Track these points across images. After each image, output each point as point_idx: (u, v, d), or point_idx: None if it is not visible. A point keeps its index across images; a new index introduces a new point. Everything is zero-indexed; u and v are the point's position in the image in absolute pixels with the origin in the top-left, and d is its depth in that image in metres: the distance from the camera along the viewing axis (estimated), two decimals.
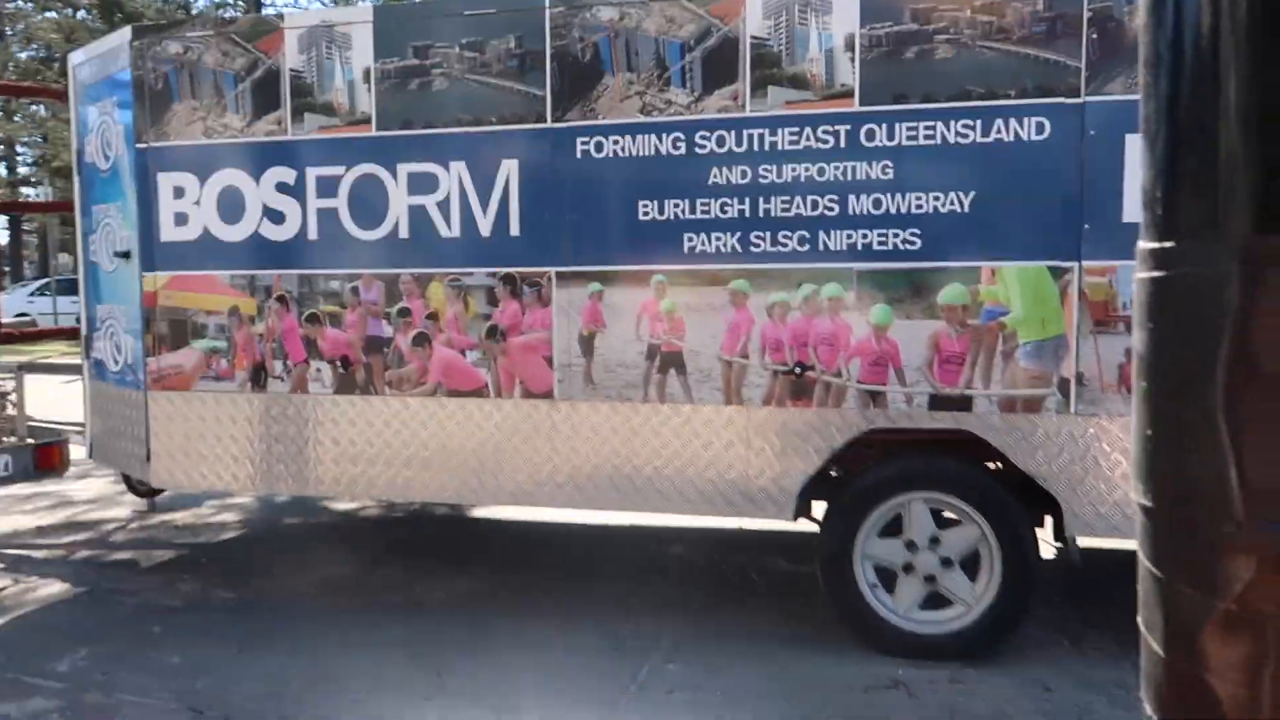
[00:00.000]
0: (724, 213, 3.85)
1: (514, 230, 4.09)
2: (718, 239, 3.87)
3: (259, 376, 4.47)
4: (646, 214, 3.93)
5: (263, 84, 4.38)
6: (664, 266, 3.92)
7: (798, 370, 3.82)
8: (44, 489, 6.72)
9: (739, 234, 3.84)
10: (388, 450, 4.29)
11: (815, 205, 3.76)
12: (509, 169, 4.08)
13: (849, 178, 3.73)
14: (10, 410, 5.46)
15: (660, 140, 3.91)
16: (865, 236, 3.73)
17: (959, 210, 3.64)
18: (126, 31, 4.67)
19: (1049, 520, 3.82)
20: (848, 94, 3.72)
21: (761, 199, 3.81)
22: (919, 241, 3.68)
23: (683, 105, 3.88)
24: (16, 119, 29.62)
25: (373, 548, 5.38)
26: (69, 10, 29.24)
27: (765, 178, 3.81)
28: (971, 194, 3.62)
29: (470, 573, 4.90)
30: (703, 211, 3.87)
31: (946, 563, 3.74)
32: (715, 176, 3.85)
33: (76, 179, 5.27)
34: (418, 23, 4.24)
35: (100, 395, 5.18)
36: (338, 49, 4.28)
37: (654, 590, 4.58)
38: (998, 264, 3.61)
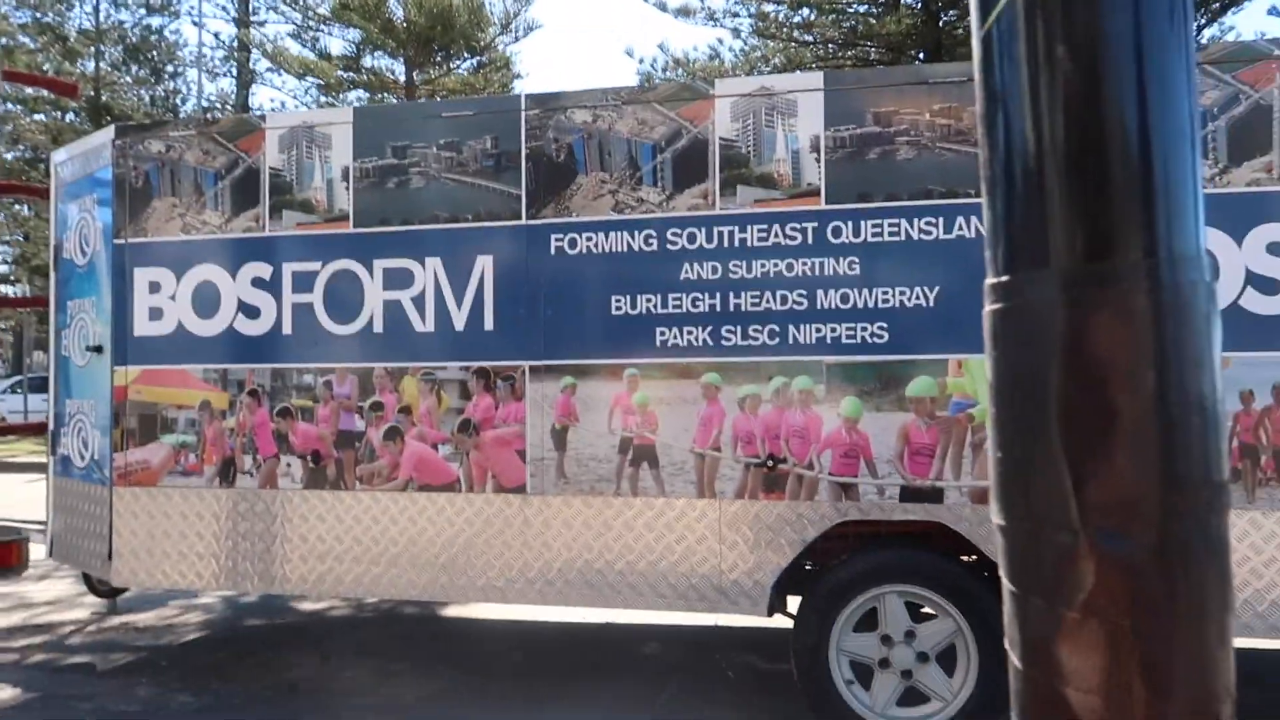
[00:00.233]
0: (695, 307, 3.91)
1: (488, 325, 4.13)
2: (689, 332, 3.92)
3: (228, 471, 4.42)
4: (619, 308, 3.99)
5: (242, 182, 4.46)
6: (637, 360, 3.96)
7: (770, 463, 3.82)
8: (1, 591, 6.53)
9: (710, 328, 3.90)
10: (357, 547, 4.22)
11: (785, 300, 3.84)
12: (484, 264, 4.14)
13: (817, 273, 3.81)
14: None
15: (633, 237, 4.00)
16: (834, 330, 3.79)
17: (925, 304, 3.72)
18: (110, 130, 4.76)
19: None
20: (814, 193, 3.84)
21: (732, 294, 3.88)
22: (886, 335, 3.74)
23: (654, 203, 3.98)
24: None
25: (340, 648, 5.24)
26: (57, 113, 29.77)
27: (735, 273, 3.88)
28: (936, 288, 3.70)
29: (440, 673, 4.77)
30: (674, 306, 3.93)
31: (922, 657, 3.69)
32: (687, 272, 3.93)
33: (53, 275, 5.29)
34: (397, 124, 4.36)
35: (64, 492, 5.09)
36: (317, 148, 4.38)
37: (626, 688, 4.48)
38: (964, 356, 3.67)
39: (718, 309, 3.89)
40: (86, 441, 4.84)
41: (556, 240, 4.06)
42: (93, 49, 28.74)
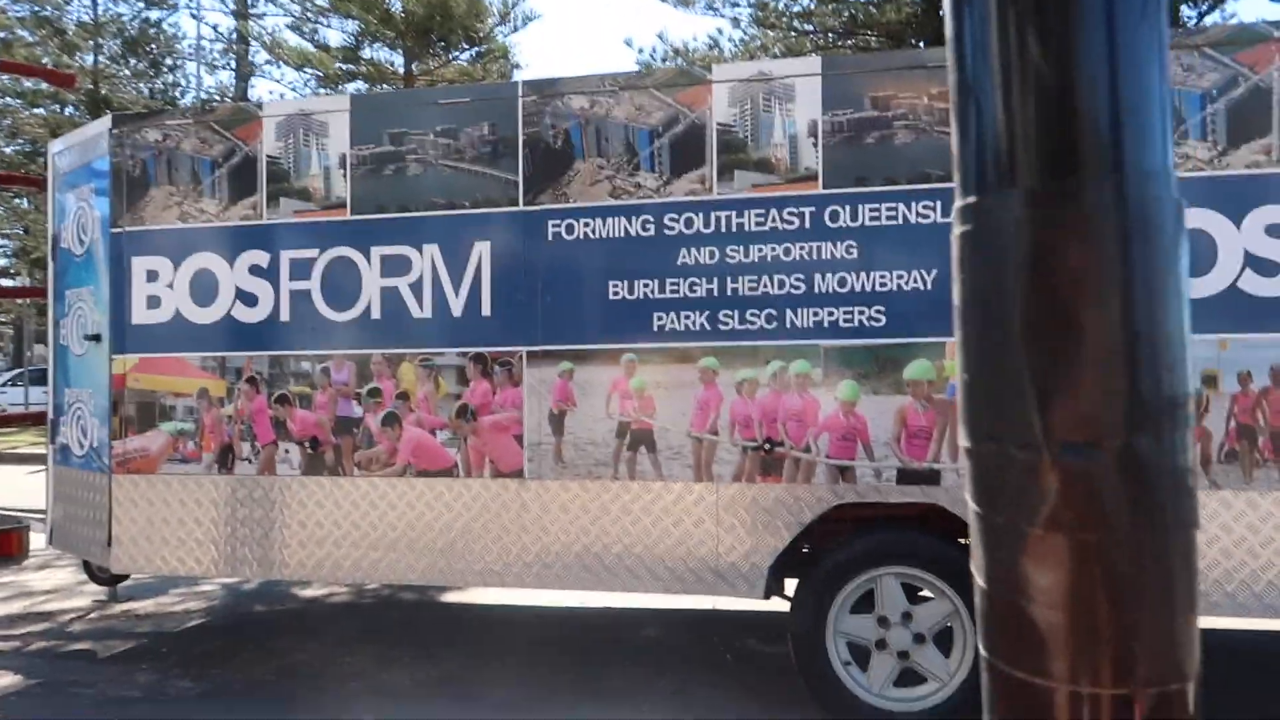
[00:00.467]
0: (693, 292, 3.91)
1: (485, 311, 4.13)
2: (687, 317, 3.92)
3: (226, 458, 4.43)
4: (616, 294, 3.99)
5: (240, 170, 4.46)
6: (634, 345, 3.96)
7: (767, 446, 3.83)
8: (1, 579, 6.56)
9: (708, 312, 3.90)
10: (355, 532, 4.23)
11: (782, 284, 3.84)
12: (481, 251, 4.14)
13: (814, 257, 3.81)
14: None
15: (630, 222, 3.99)
16: (831, 314, 3.79)
17: (922, 288, 3.72)
18: (107, 120, 4.76)
19: None
20: (812, 177, 3.83)
21: (729, 278, 3.88)
22: (884, 318, 3.75)
23: (651, 189, 3.98)
24: None
25: (340, 633, 5.26)
26: (56, 107, 29.73)
27: (733, 258, 3.88)
28: (934, 272, 3.70)
29: (439, 658, 4.78)
30: (672, 291, 3.93)
31: (919, 638, 3.70)
32: (684, 257, 3.93)
33: (51, 265, 5.29)
34: (394, 111, 4.35)
35: (63, 480, 5.10)
36: (315, 136, 4.37)
37: (626, 672, 4.49)
38: None
39: (715, 294, 3.90)
40: (85, 430, 4.85)
41: (554, 226, 4.06)
42: (91, 42, 28.69)
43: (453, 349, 4.17)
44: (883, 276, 3.76)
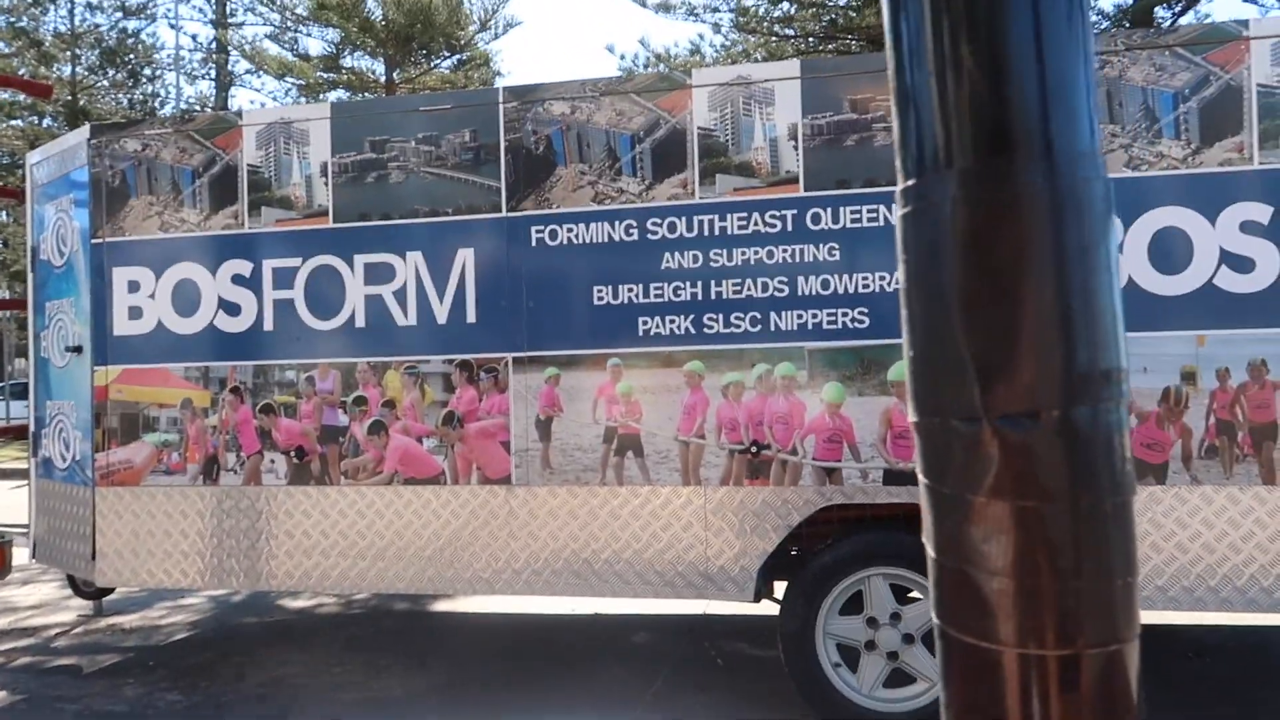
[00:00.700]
0: (677, 296, 3.93)
1: (470, 317, 4.13)
2: (672, 321, 3.93)
3: (211, 469, 4.41)
4: (601, 299, 3.99)
5: (220, 179, 4.45)
6: (619, 350, 3.97)
7: (753, 449, 3.84)
8: None
9: (692, 316, 3.91)
10: (343, 541, 4.22)
11: (766, 287, 3.85)
12: (465, 257, 4.14)
13: (797, 260, 3.83)
14: None
15: (613, 227, 4.00)
16: (815, 316, 3.81)
17: None
18: (85, 130, 4.74)
19: None
20: (793, 180, 3.85)
21: (713, 282, 3.90)
22: (868, 320, 3.77)
23: (634, 194, 3.99)
24: None
25: (329, 644, 5.24)
26: (34, 118, 29.51)
27: (716, 261, 3.90)
28: None
29: (430, 667, 4.77)
30: (656, 295, 3.94)
31: (908, 639, 3.72)
32: (668, 261, 3.94)
33: (31, 276, 5.26)
34: (375, 118, 4.35)
35: (46, 494, 5.06)
36: (295, 144, 4.36)
37: (617, 678, 4.49)
38: None
39: (699, 297, 3.91)
40: (68, 443, 4.81)
41: (537, 232, 4.07)
42: (69, 53, 28.50)
43: (438, 356, 4.17)
44: (865, 278, 3.78)
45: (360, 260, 4.26)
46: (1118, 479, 1.06)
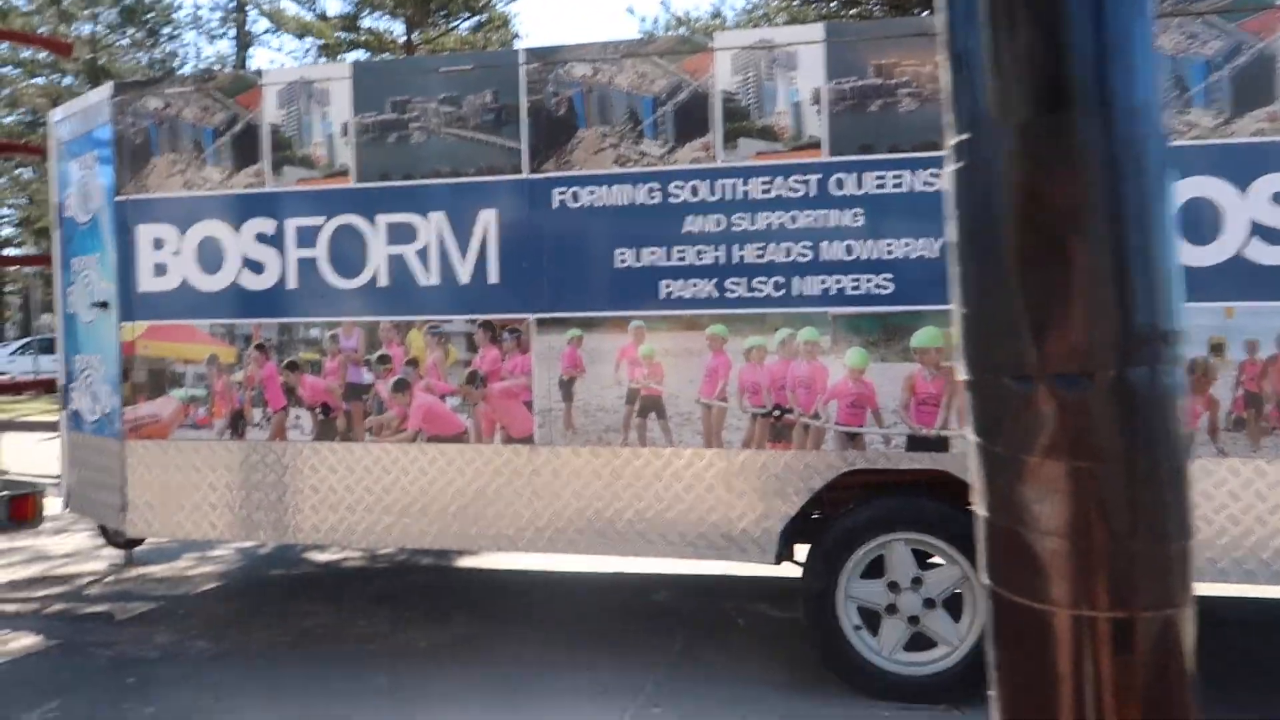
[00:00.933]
0: (700, 259, 3.92)
1: (493, 278, 4.14)
2: (694, 285, 3.93)
3: (237, 424, 4.47)
4: (623, 261, 4.00)
5: (242, 138, 4.46)
6: (642, 312, 3.98)
7: (776, 413, 3.86)
8: (18, 544, 6.64)
9: (715, 280, 3.91)
10: (368, 497, 4.28)
11: (789, 252, 3.84)
12: (487, 219, 4.14)
13: (820, 225, 3.81)
14: None
15: (635, 190, 3.99)
16: (839, 282, 3.80)
17: (929, 255, 3.72)
18: (108, 88, 4.75)
19: None
20: (816, 145, 3.82)
21: (736, 246, 3.89)
22: (892, 286, 3.75)
23: (656, 156, 3.97)
24: (1, 181, 29.75)
25: (355, 597, 5.33)
26: (56, 76, 29.55)
27: (739, 226, 3.89)
28: (941, 239, 3.70)
29: (453, 620, 4.85)
30: (679, 258, 3.94)
31: (929, 603, 3.75)
32: (690, 225, 3.93)
33: (56, 233, 5.30)
34: (397, 79, 4.34)
35: (77, 446, 5.15)
36: (317, 104, 4.36)
37: (638, 636, 4.56)
38: None
39: (722, 261, 3.90)
40: (96, 396, 4.88)
41: (559, 194, 4.06)
42: (89, 11, 28.45)
43: (461, 316, 4.19)
44: (889, 244, 3.76)
45: (383, 220, 4.27)
46: (1174, 442, 1.04)
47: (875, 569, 3.83)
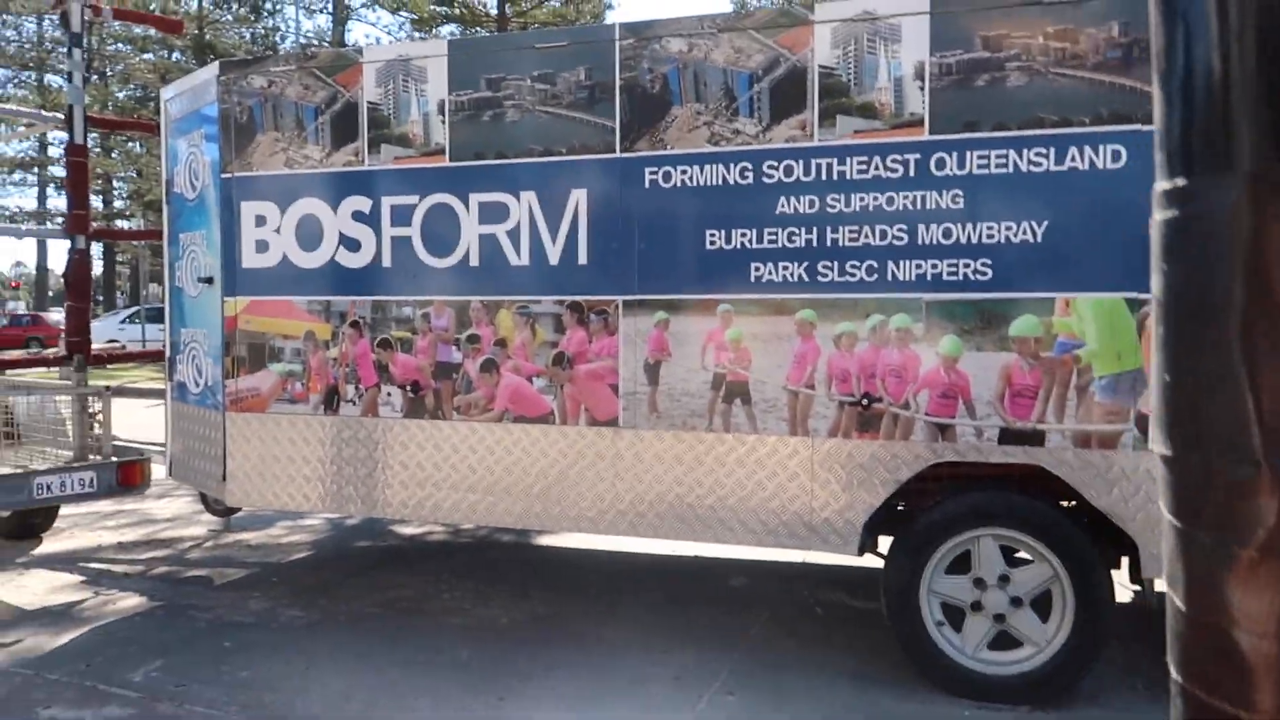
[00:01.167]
0: (791, 242, 3.84)
1: (582, 259, 4.13)
2: (785, 268, 3.86)
3: (331, 400, 4.57)
4: (713, 243, 3.94)
5: (342, 116, 4.53)
6: (730, 296, 3.92)
7: (864, 402, 3.77)
8: (125, 506, 6.96)
9: (806, 263, 3.83)
10: (454, 474, 4.34)
11: (884, 235, 3.73)
12: (578, 198, 4.13)
13: (918, 207, 3.69)
14: (97, 430, 5.68)
15: (728, 170, 3.93)
16: (935, 267, 3.68)
17: (1032, 240, 3.57)
18: (215, 67, 4.88)
19: (1125, 561, 3.69)
20: (917, 123, 3.70)
21: (829, 228, 3.80)
22: (990, 272, 3.62)
23: (750, 135, 3.90)
24: (113, 155, 31.10)
25: (438, 571, 5.44)
26: (164, 52, 30.67)
27: (833, 207, 3.79)
28: (1045, 223, 3.55)
29: (533, 598, 4.91)
30: (770, 241, 3.87)
31: (1016, 602, 3.63)
32: (783, 206, 3.85)
33: (165, 208, 5.49)
34: (491, 56, 4.34)
35: (181, 416, 5.35)
36: (414, 82, 4.40)
37: (716, 620, 4.54)
38: (1072, 295, 3.53)
39: (814, 244, 3.82)
40: (200, 369, 5.06)
41: (651, 173, 4.02)
42: None
43: (549, 297, 4.20)
44: (990, 228, 3.62)
45: (475, 199, 4.30)
46: None
47: (960, 564, 3.72)
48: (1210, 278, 0.94)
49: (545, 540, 6.17)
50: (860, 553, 3.84)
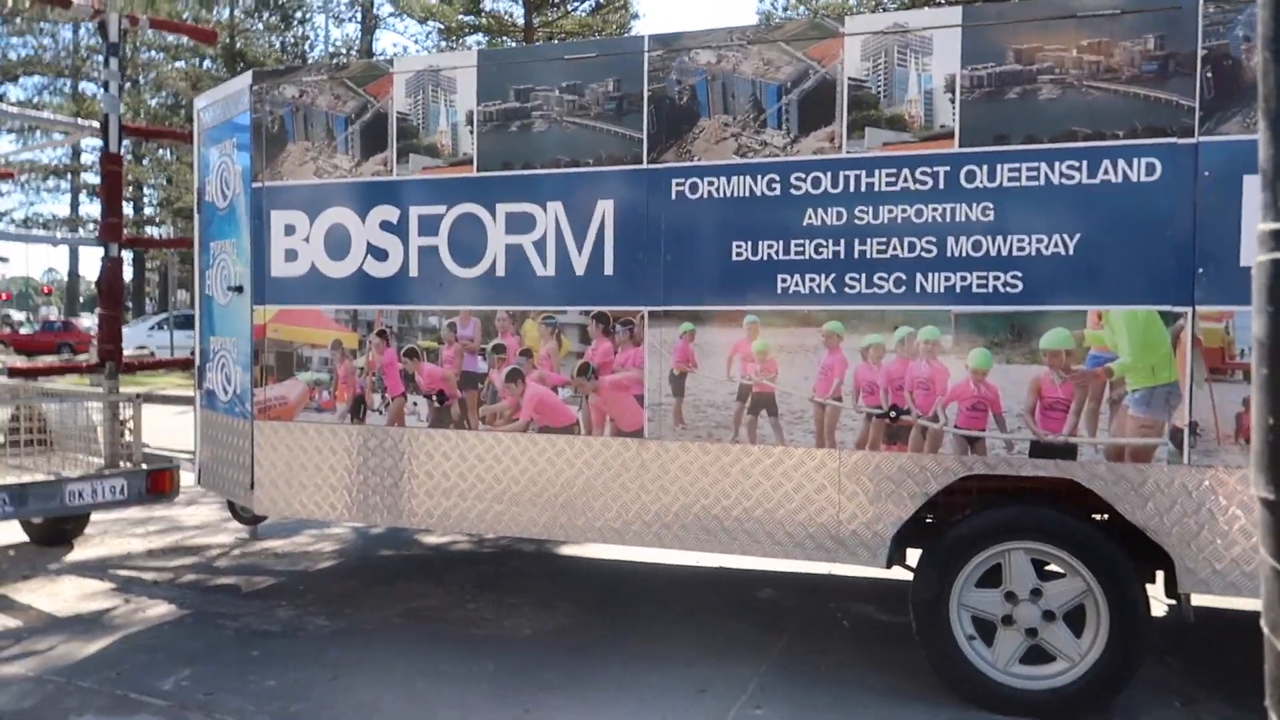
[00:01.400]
0: (819, 254, 3.83)
1: (608, 269, 4.13)
2: (812, 280, 3.84)
3: (358, 409, 4.60)
4: (740, 254, 3.93)
5: (371, 126, 4.56)
6: (757, 307, 3.91)
7: (892, 414, 3.74)
8: (155, 514, 7.03)
9: (834, 275, 3.81)
10: (480, 484, 4.35)
11: (913, 247, 3.71)
12: (604, 209, 4.14)
13: (948, 219, 3.66)
14: (127, 437, 5.74)
15: (755, 181, 3.92)
16: (964, 279, 3.65)
17: (1063, 253, 3.54)
18: (248, 76, 4.93)
19: (1160, 576, 3.64)
20: (947, 135, 3.67)
21: (857, 240, 3.78)
22: (1020, 284, 3.58)
23: (778, 147, 3.88)
24: (144, 162, 31.52)
25: (462, 581, 5.45)
26: (196, 60, 31.05)
27: (861, 219, 3.77)
28: (1077, 236, 3.52)
29: (557, 609, 4.91)
30: (797, 252, 3.85)
31: (1049, 616, 3.59)
32: (810, 218, 3.84)
33: (197, 216, 5.55)
34: (520, 66, 4.36)
35: (210, 424, 5.40)
36: (443, 92, 4.43)
37: (741, 633, 4.52)
38: (1104, 308, 3.48)
39: (842, 256, 3.80)
40: (229, 377, 5.11)
41: (678, 185, 4.02)
42: None
43: (575, 307, 4.20)
44: (1021, 240, 3.59)
45: (502, 209, 4.31)
46: None
47: (991, 577, 3.68)
48: None
49: (569, 551, 6.16)
50: (889, 565, 3.81)
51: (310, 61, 29.07)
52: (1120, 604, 3.47)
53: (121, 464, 5.63)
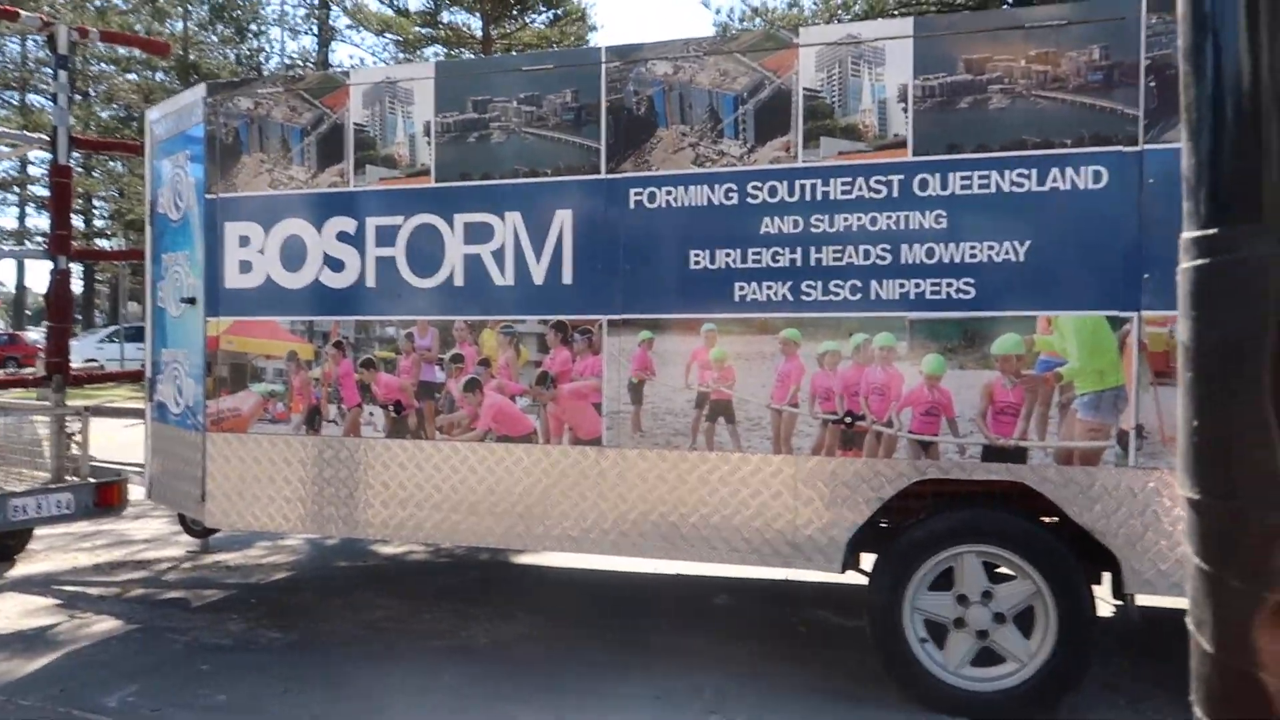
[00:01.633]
0: (775, 262, 3.87)
1: (566, 279, 4.14)
2: (769, 288, 3.88)
3: (314, 420, 4.55)
4: (698, 263, 3.96)
5: (327, 138, 4.53)
6: (715, 315, 3.94)
7: (848, 420, 3.78)
8: (103, 527, 6.88)
9: (790, 283, 3.85)
10: (437, 494, 4.32)
11: (867, 254, 3.76)
12: (563, 219, 4.15)
13: (902, 227, 3.72)
14: (75, 450, 5.61)
15: (713, 191, 3.95)
16: (918, 286, 3.71)
17: (1014, 259, 3.61)
18: (201, 88, 4.87)
19: (1107, 577, 3.71)
20: (901, 144, 3.74)
21: (813, 248, 3.82)
22: (973, 291, 3.65)
23: (735, 156, 3.92)
24: (95, 174, 30.95)
25: (419, 592, 5.40)
26: (148, 72, 30.61)
27: (817, 227, 3.82)
28: (1027, 243, 3.59)
29: (515, 618, 4.88)
30: (754, 261, 3.89)
31: (999, 618, 3.64)
32: (767, 226, 3.88)
33: (149, 229, 5.47)
34: (478, 78, 4.36)
35: (160, 436, 5.31)
36: (400, 104, 4.41)
37: (699, 640, 4.52)
38: (1054, 314, 3.56)
39: (798, 264, 3.84)
40: (181, 389, 5.02)
41: (636, 194, 4.04)
42: (181, 9, 29.36)
43: (533, 316, 4.20)
44: (973, 247, 3.66)
45: (460, 220, 4.30)
46: None
47: (943, 581, 3.73)
48: (1242, 327, 0.94)
49: (527, 560, 6.13)
50: (844, 570, 3.84)
51: (265, 74, 28.80)
52: (1068, 605, 3.53)
53: (68, 478, 5.51)
